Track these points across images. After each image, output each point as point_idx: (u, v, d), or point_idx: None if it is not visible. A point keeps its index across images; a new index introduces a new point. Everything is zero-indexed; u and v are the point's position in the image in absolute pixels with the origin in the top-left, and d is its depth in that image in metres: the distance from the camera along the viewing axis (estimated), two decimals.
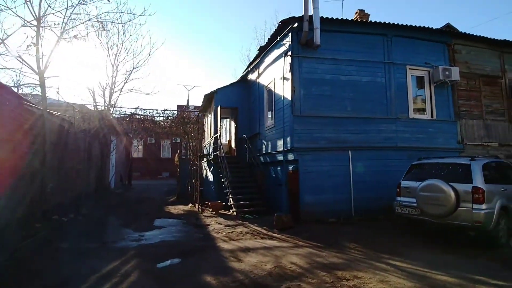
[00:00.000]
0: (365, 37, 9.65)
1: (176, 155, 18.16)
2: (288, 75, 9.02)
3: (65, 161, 9.79)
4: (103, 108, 14.34)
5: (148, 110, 12.12)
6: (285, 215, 7.95)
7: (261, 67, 11.68)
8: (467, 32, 10.37)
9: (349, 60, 9.42)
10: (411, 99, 9.97)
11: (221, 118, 13.30)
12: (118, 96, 15.56)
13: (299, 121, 8.78)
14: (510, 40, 10.78)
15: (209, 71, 65.83)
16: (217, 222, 8.99)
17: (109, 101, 15.22)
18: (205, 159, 14.23)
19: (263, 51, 11.00)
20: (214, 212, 10.38)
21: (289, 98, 8.91)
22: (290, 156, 8.81)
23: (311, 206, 8.54)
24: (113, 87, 16.16)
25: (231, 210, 10.08)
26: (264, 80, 11.37)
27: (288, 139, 8.86)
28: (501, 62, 11.10)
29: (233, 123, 15.54)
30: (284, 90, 9.03)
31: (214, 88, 13.40)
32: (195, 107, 14.28)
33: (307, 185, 8.59)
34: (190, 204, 13.04)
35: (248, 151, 11.94)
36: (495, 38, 10.66)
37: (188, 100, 23.77)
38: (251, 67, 12.77)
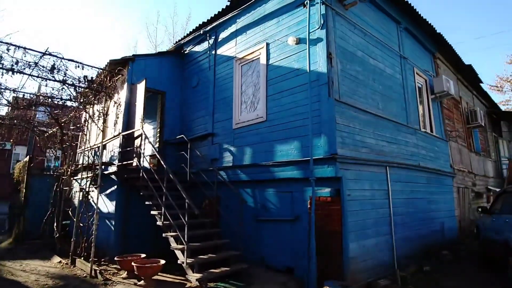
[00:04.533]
0: (384, 18, 7.22)
1: (19, 165, 10.46)
2: (319, 34, 5.32)
3: None
4: None
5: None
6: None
7: (227, 31, 7.37)
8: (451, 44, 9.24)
9: (375, 39, 6.65)
10: (419, 108, 8.02)
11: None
12: None
13: (341, 110, 5.12)
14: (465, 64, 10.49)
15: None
16: None
17: None
18: (82, 175, 7.62)
19: None
20: (144, 283, 4.99)
21: (322, 70, 5.17)
22: (324, 171, 4.91)
23: (357, 260, 4.85)
24: None
25: (187, 276, 4.94)
26: (233, 51, 7.10)
27: (322, 140, 4.98)
28: (458, 86, 10.88)
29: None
30: (311, 57, 5.24)
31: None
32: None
33: (351, 223, 4.88)
34: (59, 259, 6.73)
35: (190, 163, 7.09)
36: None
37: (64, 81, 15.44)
38: (198, 33, 8.10)
